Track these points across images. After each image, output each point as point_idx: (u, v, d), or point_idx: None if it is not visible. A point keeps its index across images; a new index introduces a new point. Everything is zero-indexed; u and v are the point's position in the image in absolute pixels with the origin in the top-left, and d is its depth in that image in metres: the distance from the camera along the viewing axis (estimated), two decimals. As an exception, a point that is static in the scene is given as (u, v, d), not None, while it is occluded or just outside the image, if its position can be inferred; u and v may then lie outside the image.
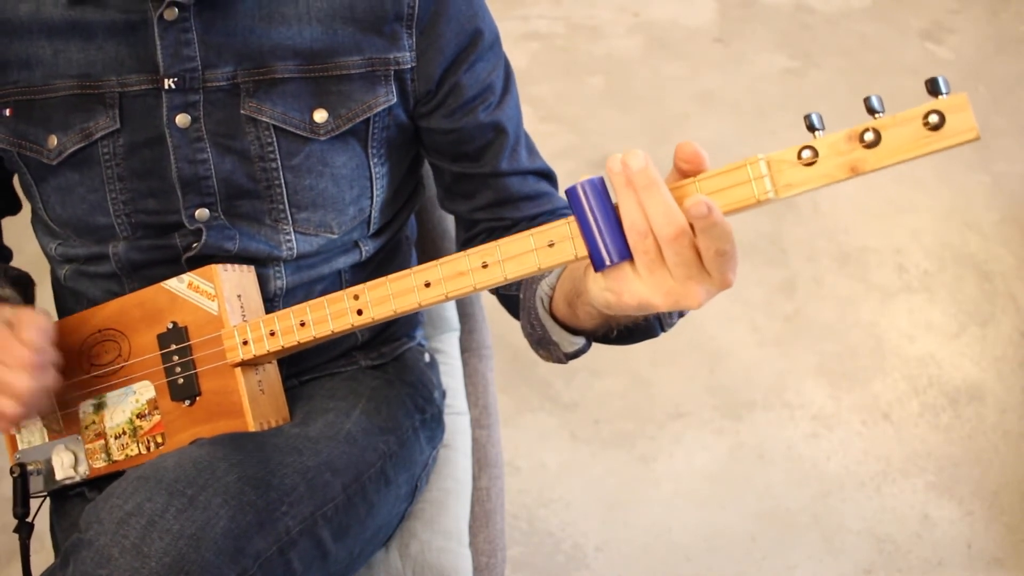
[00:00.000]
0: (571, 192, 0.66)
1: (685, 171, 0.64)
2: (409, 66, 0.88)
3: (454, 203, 0.98)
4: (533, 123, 2.40)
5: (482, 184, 0.94)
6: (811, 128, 0.61)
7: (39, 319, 0.86)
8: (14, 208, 1.07)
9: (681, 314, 0.80)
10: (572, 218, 0.67)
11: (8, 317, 0.86)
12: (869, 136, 0.59)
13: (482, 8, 0.91)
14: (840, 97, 2.38)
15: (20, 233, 1.09)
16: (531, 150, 0.97)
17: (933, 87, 0.58)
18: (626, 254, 0.65)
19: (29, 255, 1.11)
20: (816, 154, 0.61)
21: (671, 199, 0.62)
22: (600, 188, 0.65)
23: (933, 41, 2.57)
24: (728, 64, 2.54)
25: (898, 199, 2.19)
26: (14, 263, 1.06)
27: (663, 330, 0.81)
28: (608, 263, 0.65)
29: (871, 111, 0.59)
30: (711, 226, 0.61)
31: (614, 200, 0.65)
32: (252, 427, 0.86)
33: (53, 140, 0.88)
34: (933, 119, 0.57)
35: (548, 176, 0.98)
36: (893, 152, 0.59)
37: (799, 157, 0.61)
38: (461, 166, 0.94)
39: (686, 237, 0.62)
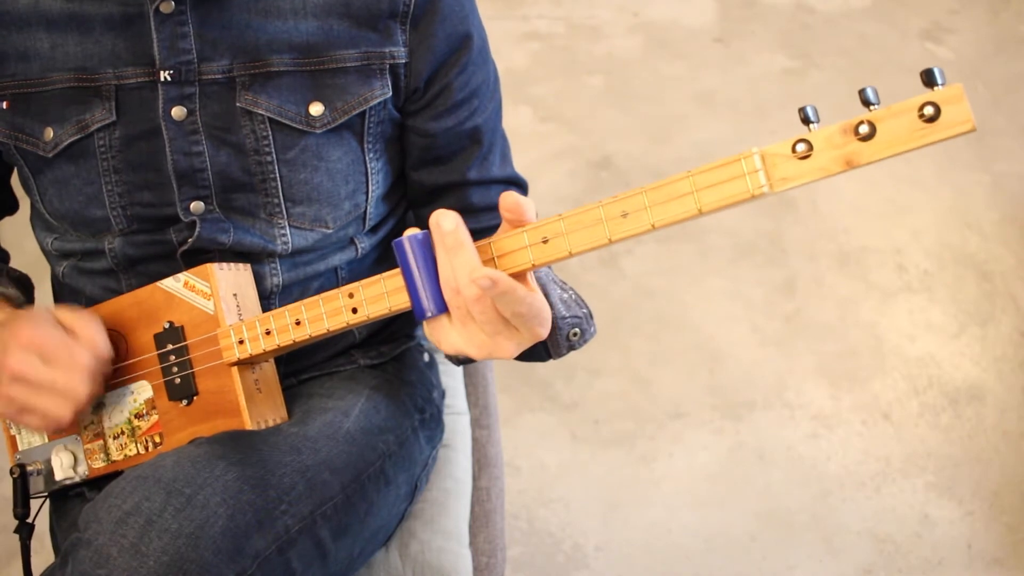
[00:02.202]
0: (397, 245, 0.70)
1: (509, 220, 0.69)
2: (403, 61, 0.89)
3: (416, 208, 1.00)
4: (533, 123, 2.40)
5: (445, 191, 0.96)
6: (806, 121, 0.61)
7: (96, 322, 0.86)
8: (12, 208, 1.07)
9: (572, 347, 0.85)
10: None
11: (63, 319, 0.86)
12: (864, 129, 0.59)
13: (473, 11, 0.92)
14: (840, 97, 2.37)
15: (20, 232, 1.09)
16: (504, 157, 0.98)
17: (928, 78, 0.57)
18: (444, 308, 0.70)
19: (29, 254, 1.11)
20: (811, 147, 0.60)
21: (476, 262, 0.67)
22: (425, 243, 0.70)
23: (933, 41, 2.57)
24: (728, 64, 2.54)
25: (898, 199, 2.19)
26: (14, 262, 1.06)
27: (550, 357, 0.85)
28: (428, 315, 0.71)
29: (866, 103, 0.59)
30: (501, 294, 0.66)
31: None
32: (249, 426, 0.86)
33: (49, 133, 0.89)
34: (928, 111, 0.57)
35: (518, 184, 1.00)
36: (888, 144, 0.58)
37: (793, 150, 0.61)
38: (427, 171, 0.96)
39: (488, 299, 0.67)
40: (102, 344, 0.85)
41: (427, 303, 0.71)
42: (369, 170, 0.93)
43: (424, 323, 0.72)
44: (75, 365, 0.83)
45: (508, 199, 0.69)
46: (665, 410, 1.86)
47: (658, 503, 1.74)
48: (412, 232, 0.70)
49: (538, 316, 0.69)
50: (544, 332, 0.71)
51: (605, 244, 0.67)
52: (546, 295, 0.81)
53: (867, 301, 2.02)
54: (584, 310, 0.84)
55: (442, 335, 0.72)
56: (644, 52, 2.58)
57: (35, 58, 0.87)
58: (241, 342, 0.84)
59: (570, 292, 0.85)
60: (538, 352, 0.84)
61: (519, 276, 0.71)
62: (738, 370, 1.92)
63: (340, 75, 0.88)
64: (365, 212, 0.95)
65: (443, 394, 1.13)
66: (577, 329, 0.83)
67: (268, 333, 0.82)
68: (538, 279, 0.82)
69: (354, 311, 0.77)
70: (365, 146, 0.92)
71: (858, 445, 1.80)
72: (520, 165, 1.02)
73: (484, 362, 1.26)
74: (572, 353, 0.86)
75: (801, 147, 0.61)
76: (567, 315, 0.82)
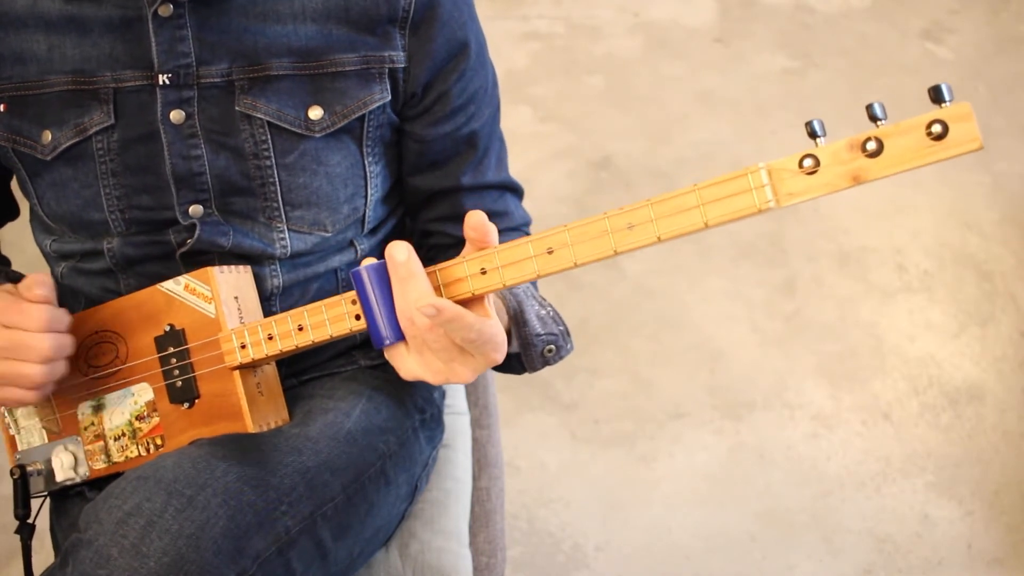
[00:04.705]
0: (355, 276, 0.73)
1: (473, 239, 0.71)
2: (402, 65, 0.89)
3: (412, 215, 1.01)
4: (533, 123, 2.40)
5: (439, 196, 0.97)
6: (812, 135, 0.61)
7: (42, 278, 0.85)
8: (12, 213, 1.07)
9: (547, 362, 0.86)
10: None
11: (17, 288, 0.85)
12: (871, 145, 0.58)
13: (472, 17, 0.92)
14: (840, 97, 2.37)
15: (21, 233, 1.10)
16: (500, 161, 0.99)
17: (936, 95, 0.57)
18: (401, 335, 0.72)
19: (30, 255, 1.11)
20: (817, 163, 0.60)
21: (427, 291, 0.70)
22: (382, 273, 0.72)
23: (933, 41, 2.57)
24: (728, 64, 2.54)
25: (898, 199, 2.19)
26: (17, 261, 1.06)
27: (525, 371, 0.87)
28: (386, 343, 0.73)
29: (873, 119, 0.59)
30: (447, 322, 0.68)
31: None
32: (252, 429, 0.86)
33: (47, 136, 0.88)
34: (936, 129, 0.57)
35: (513, 189, 1.01)
36: (896, 162, 0.58)
37: (800, 166, 0.61)
38: (422, 177, 0.96)
39: (440, 327, 0.69)
40: (53, 301, 0.84)
41: (385, 331, 0.73)
42: (368, 174, 0.93)
43: (384, 350, 0.75)
44: (31, 323, 0.82)
45: (474, 218, 0.70)
46: (665, 410, 1.86)
47: (658, 503, 1.74)
48: (369, 262, 0.73)
49: (490, 342, 0.71)
50: (499, 357, 0.73)
51: (610, 255, 0.67)
52: (522, 311, 0.84)
53: (867, 301, 2.02)
54: (561, 327, 0.86)
55: (400, 362, 0.74)
56: (644, 52, 2.58)
57: (32, 60, 0.87)
58: (243, 346, 0.84)
59: (548, 309, 0.86)
60: (513, 366, 0.86)
61: (473, 303, 0.73)
62: (738, 370, 1.92)
63: (339, 79, 0.88)
64: (364, 215, 0.95)
65: (443, 394, 1.14)
66: (552, 346, 0.85)
67: (270, 338, 0.82)
68: (515, 295, 0.84)
69: (357, 318, 0.77)
70: (364, 150, 0.92)
71: (858, 445, 1.80)
72: (520, 165, 1.03)
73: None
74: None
75: (808, 162, 0.60)
76: (542, 332, 0.84)
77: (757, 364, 1.93)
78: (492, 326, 0.71)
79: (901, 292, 2.03)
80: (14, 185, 1.02)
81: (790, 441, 1.81)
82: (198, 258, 0.90)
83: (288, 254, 0.92)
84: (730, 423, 1.84)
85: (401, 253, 0.70)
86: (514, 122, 2.37)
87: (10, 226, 1.10)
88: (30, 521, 0.93)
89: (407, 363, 0.74)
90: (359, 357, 1.04)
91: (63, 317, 0.85)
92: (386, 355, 0.75)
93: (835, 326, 1.98)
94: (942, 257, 2.09)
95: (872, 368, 1.91)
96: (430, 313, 0.68)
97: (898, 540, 1.68)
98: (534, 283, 0.94)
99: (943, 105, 0.56)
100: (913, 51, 2.55)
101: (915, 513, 1.71)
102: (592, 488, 1.76)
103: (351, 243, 0.97)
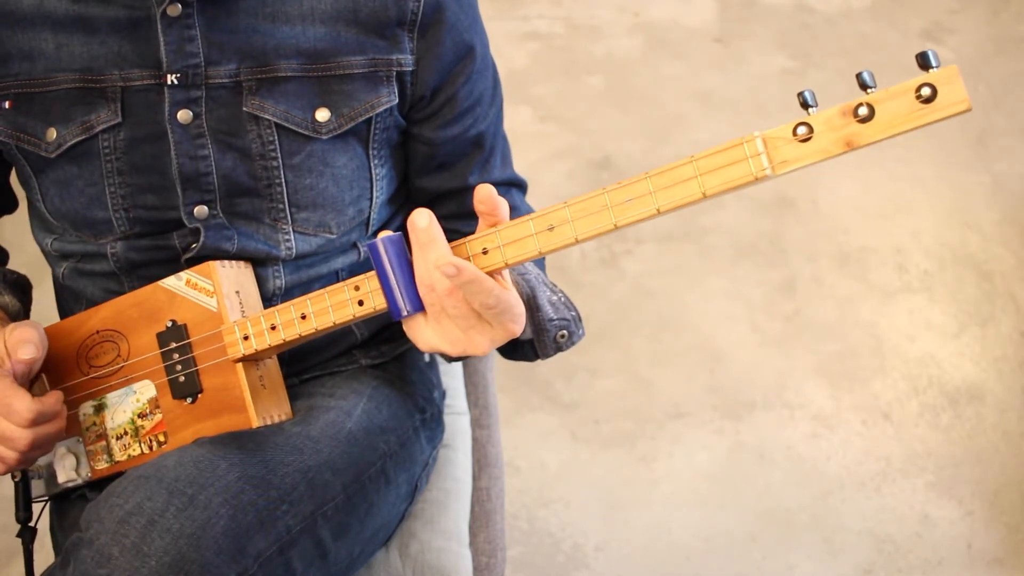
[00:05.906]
0: (372, 247, 0.73)
1: (482, 212, 0.71)
2: (410, 68, 0.89)
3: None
4: (533, 123, 2.40)
5: (447, 196, 0.97)
6: (804, 105, 0.62)
7: (28, 335, 0.84)
8: (11, 207, 1.07)
9: (559, 348, 0.86)
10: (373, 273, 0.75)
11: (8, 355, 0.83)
12: (863, 111, 0.60)
13: (476, 19, 0.92)
14: (840, 97, 2.37)
15: (21, 232, 1.09)
16: (505, 158, 1.00)
17: (924, 61, 0.59)
18: (420, 306, 0.73)
19: (31, 255, 1.11)
20: (811, 130, 0.62)
21: (448, 253, 0.70)
22: (399, 244, 0.73)
23: (933, 41, 2.57)
24: (728, 64, 2.54)
25: (898, 199, 2.19)
26: (15, 262, 1.06)
27: (538, 357, 0.87)
28: (404, 314, 0.73)
29: (863, 86, 0.61)
30: (467, 283, 0.69)
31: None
32: (255, 422, 0.86)
33: (52, 133, 0.88)
34: (925, 92, 0.58)
35: (518, 185, 1.02)
36: (887, 126, 0.60)
37: (794, 134, 0.62)
38: (430, 178, 0.97)
39: (459, 292, 0.70)
40: (39, 362, 0.84)
41: (403, 302, 0.73)
42: (374, 176, 0.93)
43: (402, 322, 0.75)
44: (15, 416, 0.82)
45: (483, 191, 0.71)
46: (665, 410, 1.86)
47: (658, 503, 1.74)
48: (385, 234, 0.73)
49: (509, 311, 0.72)
50: (517, 329, 0.73)
51: (611, 230, 0.68)
52: (534, 296, 0.83)
53: (867, 301, 2.02)
54: (572, 312, 0.86)
55: (418, 333, 0.75)
56: (644, 52, 2.58)
57: (39, 58, 0.87)
58: (246, 338, 0.84)
59: (560, 295, 0.86)
60: (526, 352, 0.86)
61: (492, 274, 0.73)
62: (738, 370, 1.92)
63: (347, 81, 0.88)
64: (369, 217, 0.96)
65: (443, 394, 1.14)
66: (565, 331, 0.85)
67: (273, 328, 0.83)
68: (527, 281, 0.84)
69: (360, 303, 0.77)
70: (370, 152, 0.92)
71: (858, 445, 1.80)
72: (520, 165, 1.03)
73: (484, 362, 1.26)
74: (572, 353, 0.87)
75: (802, 130, 0.62)
76: (555, 317, 0.84)
77: (757, 364, 1.93)
78: (511, 295, 0.72)
79: (901, 292, 2.03)
80: (13, 179, 1.02)
81: (790, 441, 1.81)
82: (203, 262, 0.90)
83: (293, 255, 0.92)
84: (730, 423, 1.84)
85: (423, 219, 0.71)
86: (514, 122, 2.37)
87: (11, 226, 1.10)
88: (32, 524, 0.93)
89: (425, 334, 0.74)
90: (360, 356, 1.04)
91: (50, 400, 0.84)
92: (404, 327, 0.76)
93: (835, 326, 1.98)
94: (942, 257, 2.09)
95: (872, 368, 1.91)
96: (450, 272, 0.68)
97: (898, 540, 1.68)
98: (543, 269, 0.94)
99: (930, 70, 0.58)
100: (913, 51, 2.53)
101: (915, 513, 1.71)
102: (592, 488, 1.76)
103: (354, 245, 0.97)
